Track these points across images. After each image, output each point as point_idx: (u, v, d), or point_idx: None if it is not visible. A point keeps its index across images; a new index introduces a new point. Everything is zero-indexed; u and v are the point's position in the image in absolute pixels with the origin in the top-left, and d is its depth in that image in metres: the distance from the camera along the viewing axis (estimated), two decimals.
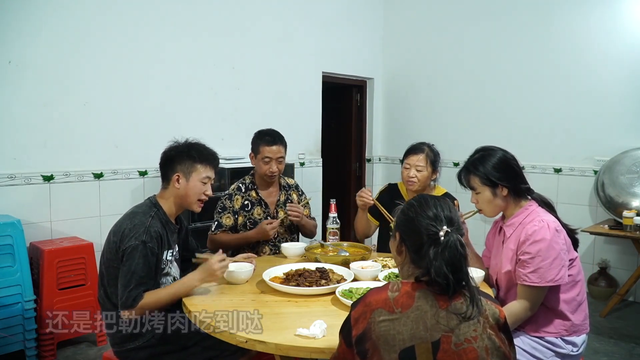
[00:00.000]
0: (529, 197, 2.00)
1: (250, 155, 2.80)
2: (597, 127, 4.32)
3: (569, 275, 1.87)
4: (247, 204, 2.75)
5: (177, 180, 2.04)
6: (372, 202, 2.61)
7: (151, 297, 1.88)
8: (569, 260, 1.90)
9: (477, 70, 5.03)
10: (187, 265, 2.26)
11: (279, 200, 2.82)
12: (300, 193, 2.95)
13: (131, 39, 3.60)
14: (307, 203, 2.91)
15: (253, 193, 2.77)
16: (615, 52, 4.21)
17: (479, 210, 2.07)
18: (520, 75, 4.73)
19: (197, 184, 2.05)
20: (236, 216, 2.72)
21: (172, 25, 3.83)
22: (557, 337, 1.89)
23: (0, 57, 3.05)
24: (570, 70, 4.44)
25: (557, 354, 1.88)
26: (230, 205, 2.73)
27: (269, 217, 2.75)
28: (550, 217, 1.90)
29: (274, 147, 2.69)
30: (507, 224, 1.99)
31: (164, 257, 2.02)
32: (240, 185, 2.79)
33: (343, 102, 5.82)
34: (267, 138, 2.71)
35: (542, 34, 4.58)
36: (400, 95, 5.67)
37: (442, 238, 1.24)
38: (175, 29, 3.86)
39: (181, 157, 2.05)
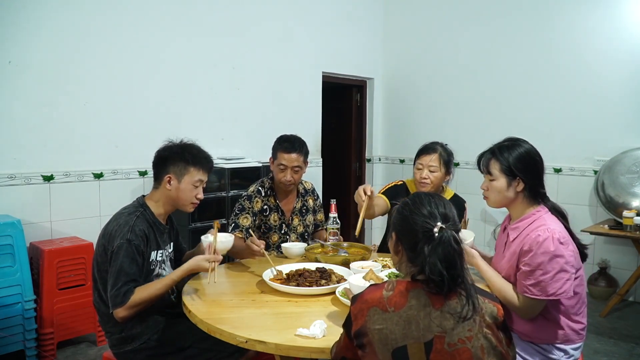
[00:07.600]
0: (541, 202, 1.90)
1: (269, 159, 2.74)
2: (597, 127, 4.33)
3: None
4: (266, 208, 2.71)
5: (169, 182, 2.00)
6: (362, 201, 2.29)
7: (142, 291, 1.86)
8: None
9: (477, 70, 5.03)
10: (178, 265, 2.26)
11: (294, 207, 2.79)
12: (315, 198, 2.92)
13: (131, 39, 3.60)
14: (321, 207, 2.89)
15: (272, 199, 2.72)
16: (616, 52, 4.21)
17: (484, 198, 1.97)
18: (521, 75, 4.74)
19: (188, 186, 2.02)
20: (254, 218, 2.67)
21: (172, 26, 3.83)
22: (548, 344, 1.86)
23: (0, 57, 3.04)
24: (570, 70, 4.44)
25: (547, 358, 1.85)
26: (250, 206, 2.66)
27: (283, 224, 2.74)
28: (557, 227, 1.79)
29: (292, 155, 2.59)
30: (512, 227, 1.92)
31: (153, 257, 2.00)
32: (260, 188, 2.72)
33: (343, 102, 5.82)
34: (285, 144, 2.62)
35: (542, 34, 4.59)
36: (400, 95, 5.68)
37: (436, 234, 1.22)
38: (176, 29, 3.86)
39: (174, 158, 2.01)
